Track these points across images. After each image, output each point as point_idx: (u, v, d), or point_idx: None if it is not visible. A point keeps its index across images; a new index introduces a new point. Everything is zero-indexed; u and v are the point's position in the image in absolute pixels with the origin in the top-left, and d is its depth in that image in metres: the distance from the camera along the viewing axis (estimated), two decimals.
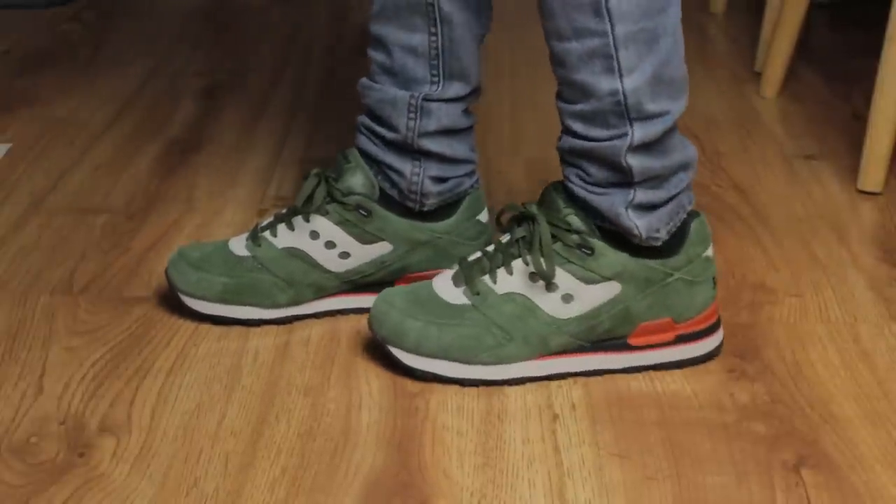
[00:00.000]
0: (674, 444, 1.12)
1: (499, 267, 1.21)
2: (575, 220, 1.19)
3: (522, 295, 1.20)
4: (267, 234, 1.31)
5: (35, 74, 2.12)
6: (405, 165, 1.30)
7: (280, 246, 1.30)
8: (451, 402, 1.18)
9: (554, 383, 1.21)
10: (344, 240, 1.29)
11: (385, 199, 1.31)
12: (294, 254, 1.30)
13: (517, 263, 1.21)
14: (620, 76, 1.14)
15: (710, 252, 1.23)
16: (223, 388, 1.20)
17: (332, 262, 1.30)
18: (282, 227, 1.31)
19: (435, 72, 1.27)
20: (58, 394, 1.19)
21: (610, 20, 1.13)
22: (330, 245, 1.29)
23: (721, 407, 1.18)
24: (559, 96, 1.20)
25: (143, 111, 1.95)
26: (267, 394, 1.19)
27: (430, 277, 1.27)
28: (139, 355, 1.25)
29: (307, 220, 1.29)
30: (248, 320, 1.30)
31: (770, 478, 1.08)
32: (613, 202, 1.19)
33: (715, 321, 1.25)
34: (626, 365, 1.23)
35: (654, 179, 1.19)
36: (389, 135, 1.29)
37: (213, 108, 1.96)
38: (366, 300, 1.30)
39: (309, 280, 1.30)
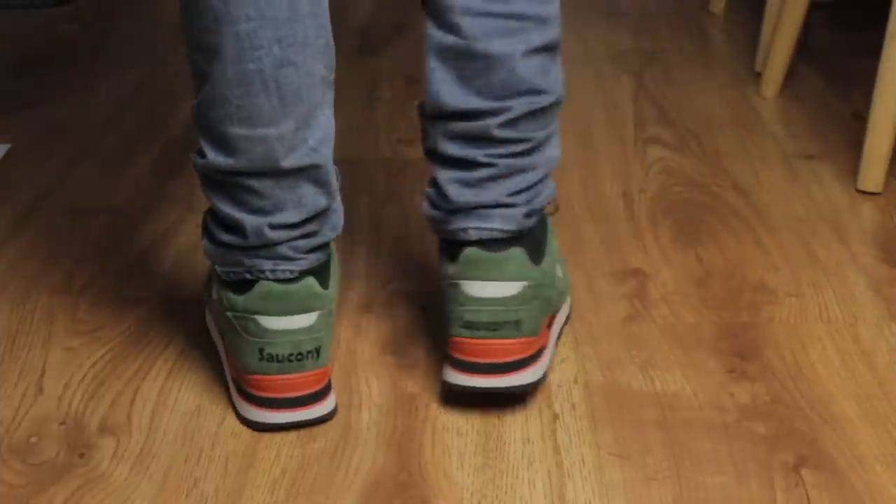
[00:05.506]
0: (674, 444, 1.12)
1: None
2: None
3: None
4: None
5: (35, 74, 2.12)
6: None
7: None
8: (451, 403, 1.18)
9: (554, 383, 1.21)
10: None
11: None
12: None
13: None
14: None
15: None
16: (223, 388, 1.20)
17: None
18: None
19: None
20: (58, 394, 1.19)
21: None
22: None
23: (721, 407, 1.18)
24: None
25: (143, 111, 1.95)
26: None
27: None
28: (139, 355, 1.25)
29: None
30: None
31: (770, 478, 1.08)
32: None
33: None
34: None
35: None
36: None
37: None
38: None
39: None
